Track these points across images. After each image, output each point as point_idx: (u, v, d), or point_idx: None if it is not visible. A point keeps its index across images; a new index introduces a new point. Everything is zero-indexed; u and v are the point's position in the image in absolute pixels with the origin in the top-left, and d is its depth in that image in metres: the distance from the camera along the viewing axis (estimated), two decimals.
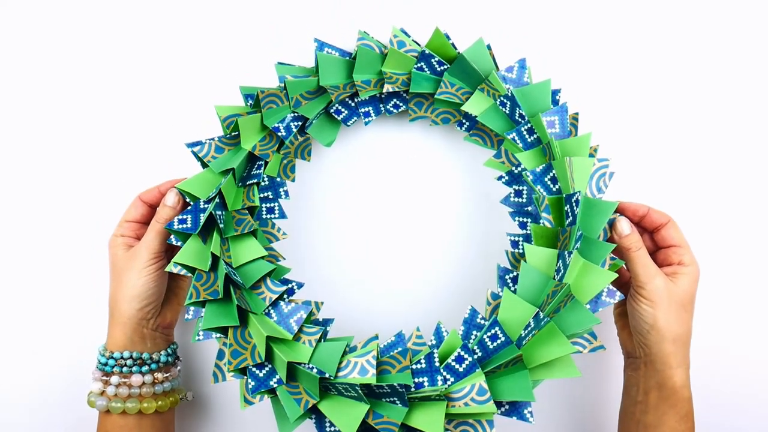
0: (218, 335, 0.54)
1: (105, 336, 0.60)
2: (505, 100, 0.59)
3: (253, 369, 0.52)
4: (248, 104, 0.59)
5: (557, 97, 0.60)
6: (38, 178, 0.65)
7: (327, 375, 0.51)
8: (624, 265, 0.56)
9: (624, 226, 0.56)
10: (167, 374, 0.57)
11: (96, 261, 0.64)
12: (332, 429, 0.51)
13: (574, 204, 0.54)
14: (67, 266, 0.65)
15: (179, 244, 0.55)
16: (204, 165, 0.58)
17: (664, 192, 0.64)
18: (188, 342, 0.64)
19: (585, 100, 0.63)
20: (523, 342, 0.51)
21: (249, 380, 0.52)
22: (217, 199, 0.56)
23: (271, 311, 0.54)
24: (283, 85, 0.59)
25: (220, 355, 0.54)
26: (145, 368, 0.56)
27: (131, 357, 0.56)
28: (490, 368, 0.51)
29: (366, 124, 0.61)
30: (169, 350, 0.58)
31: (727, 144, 0.65)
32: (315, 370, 0.52)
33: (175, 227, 0.55)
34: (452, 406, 0.51)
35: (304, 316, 0.54)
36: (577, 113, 0.59)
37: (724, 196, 0.65)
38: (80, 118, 0.65)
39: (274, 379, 0.52)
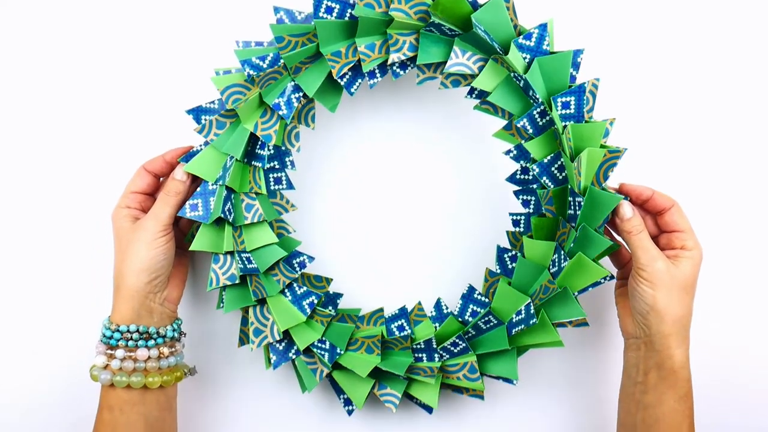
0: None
1: (104, 310, 0.60)
2: (519, 76, 0.54)
3: (275, 344, 0.59)
4: (246, 72, 0.55)
5: (579, 59, 0.55)
6: (38, 150, 0.64)
7: (338, 351, 0.58)
8: (626, 248, 0.57)
9: (626, 209, 0.56)
10: (172, 349, 0.58)
11: (101, 234, 0.64)
12: (346, 396, 0.61)
13: (577, 205, 0.54)
14: (68, 239, 0.65)
15: (191, 216, 0.57)
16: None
17: (669, 175, 0.62)
18: (190, 319, 0.65)
19: (607, 66, 0.58)
20: (514, 329, 0.57)
21: (272, 355, 0.59)
22: (224, 191, 0.57)
23: (286, 291, 0.60)
24: (282, 62, 0.55)
25: (244, 322, 0.61)
26: (151, 343, 0.56)
27: (137, 331, 0.56)
28: (481, 351, 0.58)
29: (371, 86, 0.58)
30: (174, 325, 0.59)
31: (735, 129, 0.63)
32: (327, 344, 0.59)
33: (188, 215, 0.57)
34: (447, 377, 0.59)
35: (316, 301, 0.59)
36: (597, 79, 0.55)
37: (729, 180, 0.64)
38: (79, 86, 0.63)
39: (293, 351, 0.60)
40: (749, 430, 0.65)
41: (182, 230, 0.62)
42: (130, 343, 0.56)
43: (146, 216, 0.57)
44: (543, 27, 0.54)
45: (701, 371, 0.60)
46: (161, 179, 0.60)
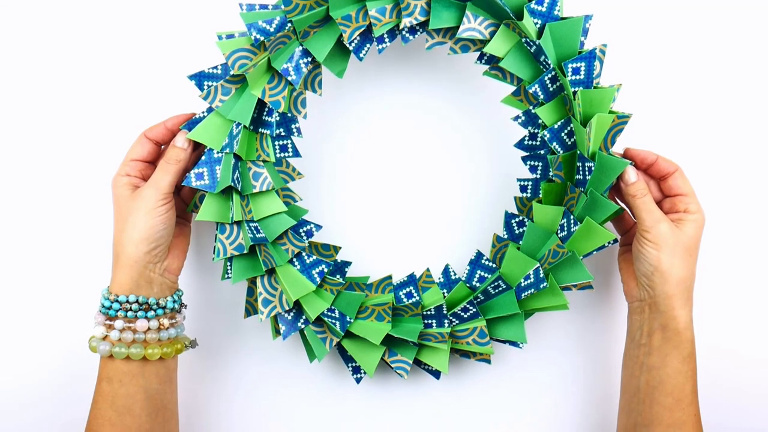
0: None
1: (104, 280, 0.59)
2: (531, 42, 0.54)
3: (284, 314, 0.59)
4: (252, 36, 0.54)
5: (587, 25, 0.55)
6: (37, 115, 0.62)
7: (348, 319, 0.58)
8: (629, 212, 0.59)
9: (630, 173, 0.57)
10: (173, 321, 0.57)
11: (99, 202, 0.63)
12: (355, 364, 0.61)
13: (586, 170, 0.55)
14: (68, 208, 0.64)
15: (197, 185, 0.56)
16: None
17: (672, 140, 0.63)
18: (192, 289, 0.64)
19: (615, 32, 0.58)
20: (523, 293, 0.58)
21: (280, 325, 0.59)
22: (233, 159, 0.55)
23: (295, 261, 0.59)
24: (290, 26, 0.54)
25: (250, 292, 0.60)
26: (150, 314, 0.55)
27: (137, 301, 0.55)
28: (491, 316, 0.59)
29: (380, 51, 0.57)
30: (175, 296, 0.58)
31: (737, 93, 0.64)
32: (337, 313, 0.58)
33: (194, 183, 0.56)
34: (456, 342, 0.60)
35: (326, 270, 0.58)
36: (605, 45, 0.55)
37: (732, 145, 0.65)
38: (78, 52, 0.61)
39: (301, 320, 0.59)
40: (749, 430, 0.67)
41: (183, 199, 0.61)
42: (130, 313, 0.55)
43: (146, 184, 0.56)
44: None
45: (704, 391, 0.60)
46: (162, 147, 0.58)
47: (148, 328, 0.55)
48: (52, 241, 0.64)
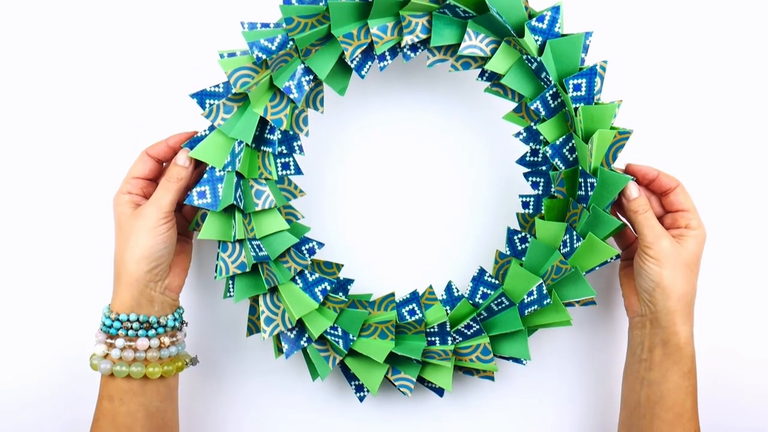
0: None
1: (106, 297, 0.59)
2: (532, 59, 0.55)
3: (286, 333, 0.58)
4: (255, 54, 0.54)
5: (587, 42, 0.56)
6: (39, 134, 0.62)
7: (351, 337, 0.58)
8: (631, 227, 0.59)
9: (632, 189, 0.57)
10: (173, 339, 0.57)
11: (101, 219, 0.62)
12: (358, 382, 0.60)
13: (589, 186, 0.55)
14: (69, 225, 0.64)
15: (199, 204, 0.56)
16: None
17: (672, 156, 0.64)
18: (193, 306, 0.64)
19: (614, 48, 0.59)
20: (526, 310, 0.58)
21: (283, 344, 0.58)
22: (235, 177, 0.55)
23: (297, 279, 0.58)
24: (293, 45, 0.54)
25: (252, 311, 0.60)
26: (151, 332, 0.55)
27: (138, 320, 0.55)
28: (494, 333, 0.59)
29: (381, 69, 0.57)
30: (175, 314, 0.58)
31: (736, 108, 0.64)
32: (340, 331, 0.58)
33: (195, 202, 0.55)
34: (459, 359, 0.59)
35: (329, 288, 0.58)
36: (605, 62, 0.55)
37: (733, 161, 0.65)
38: (80, 70, 0.61)
39: (304, 339, 0.59)
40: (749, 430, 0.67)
41: (185, 216, 0.60)
42: (130, 332, 0.55)
43: (147, 203, 0.56)
44: (556, 9, 0.54)
45: (704, 392, 0.60)
46: (164, 164, 0.58)
47: (149, 347, 0.55)
48: (52, 242, 0.64)
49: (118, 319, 0.55)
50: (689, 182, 0.58)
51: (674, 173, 0.58)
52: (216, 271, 0.57)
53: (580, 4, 0.63)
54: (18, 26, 0.63)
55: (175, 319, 0.57)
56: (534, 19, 0.54)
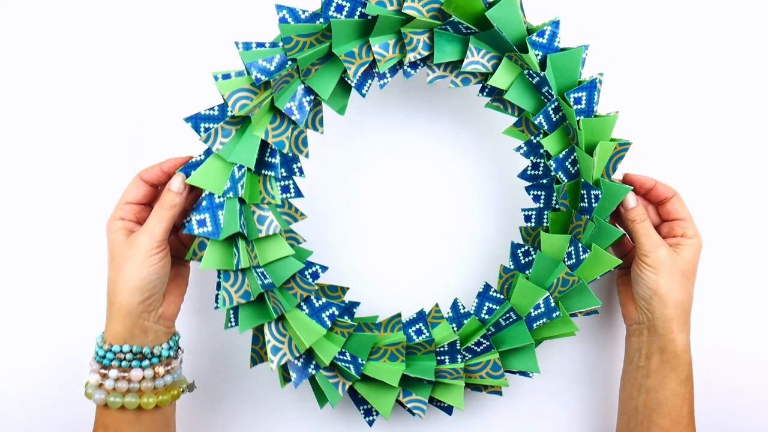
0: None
1: (99, 324, 0.58)
2: (534, 73, 0.55)
3: (294, 361, 0.57)
4: (253, 75, 0.52)
5: (584, 55, 0.56)
6: (34, 156, 0.60)
7: (361, 361, 0.57)
8: (628, 236, 0.60)
9: (630, 199, 0.58)
10: (168, 367, 0.55)
11: (93, 245, 0.61)
12: (367, 407, 0.59)
13: (592, 197, 0.55)
14: (62, 250, 0.62)
15: (199, 233, 0.53)
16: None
17: (668, 166, 0.65)
18: (190, 331, 0.63)
19: (610, 59, 0.59)
20: (534, 323, 0.58)
21: (291, 373, 0.56)
22: (237, 204, 0.53)
23: (303, 305, 0.57)
24: (294, 65, 0.52)
25: (255, 340, 0.58)
26: (145, 363, 0.54)
27: (131, 351, 0.54)
28: (504, 348, 0.58)
29: (381, 87, 0.56)
30: (170, 343, 0.56)
31: (732, 118, 0.65)
32: (349, 356, 0.57)
33: (196, 231, 0.53)
34: (469, 377, 0.59)
35: (336, 312, 0.57)
36: (601, 74, 0.56)
37: (729, 170, 0.67)
38: (75, 91, 0.59)
39: (312, 366, 0.57)
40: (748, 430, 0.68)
41: (182, 240, 0.58)
42: (124, 363, 0.54)
43: (140, 230, 0.54)
44: (555, 24, 0.54)
45: (702, 392, 0.61)
46: (159, 187, 0.56)
47: (143, 377, 0.54)
48: (52, 242, 0.63)
49: (111, 350, 0.54)
50: (685, 192, 0.59)
51: (670, 183, 0.59)
52: (218, 302, 0.54)
53: (572, 17, 0.63)
54: (18, 29, 0.61)
55: (170, 348, 0.55)
56: (534, 33, 0.54)
